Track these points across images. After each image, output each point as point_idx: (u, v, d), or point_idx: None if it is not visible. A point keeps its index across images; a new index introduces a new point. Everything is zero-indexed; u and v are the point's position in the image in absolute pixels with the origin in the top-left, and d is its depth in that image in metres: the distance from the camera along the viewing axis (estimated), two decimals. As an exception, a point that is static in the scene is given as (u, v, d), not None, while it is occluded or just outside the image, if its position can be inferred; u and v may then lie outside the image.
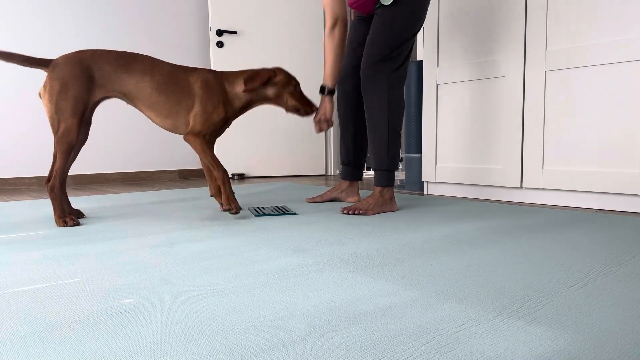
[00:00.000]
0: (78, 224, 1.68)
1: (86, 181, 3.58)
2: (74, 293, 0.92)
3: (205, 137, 1.77)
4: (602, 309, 0.80)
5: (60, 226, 1.65)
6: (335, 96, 2.19)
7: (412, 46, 1.95)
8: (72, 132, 1.66)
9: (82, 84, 1.67)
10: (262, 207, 2.06)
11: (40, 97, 1.68)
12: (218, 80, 1.81)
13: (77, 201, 2.41)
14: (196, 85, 1.78)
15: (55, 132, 1.66)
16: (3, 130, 3.24)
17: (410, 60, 4.80)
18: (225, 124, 1.84)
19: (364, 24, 2.14)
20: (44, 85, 1.66)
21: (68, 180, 3.50)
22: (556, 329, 0.72)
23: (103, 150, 3.65)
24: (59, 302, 0.86)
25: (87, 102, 1.69)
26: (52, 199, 1.68)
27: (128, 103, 1.80)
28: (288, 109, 1.89)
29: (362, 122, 2.20)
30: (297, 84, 1.89)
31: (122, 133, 3.74)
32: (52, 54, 3.39)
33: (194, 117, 1.76)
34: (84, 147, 3.56)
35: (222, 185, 1.75)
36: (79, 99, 1.66)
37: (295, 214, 1.90)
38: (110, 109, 3.66)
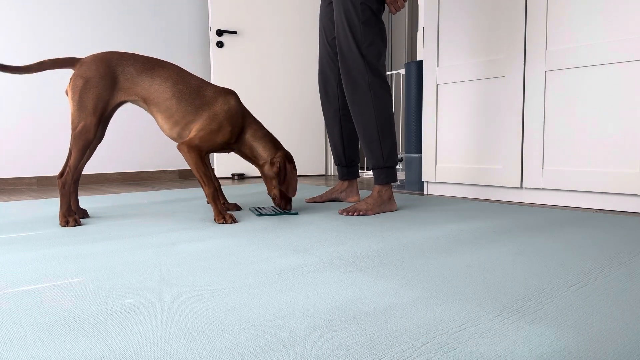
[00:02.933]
0: (79, 225, 1.68)
1: (86, 181, 3.59)
2: (74, 293, 0.92)
3: (201, 152, 1.73)
4: (602, 309, 0.80)
5: (61, 225, 1.65)
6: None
7: (381, 23, 1.90)
8: (90, 130, 1.66)
9: (105, 83, 1.68)
10: (263, 207, 2.06)
11: (67, 94, 1.70)
12: (242, 112, 1.83)
13: (77, 201, 2.41)
14: (220, 108, 1.77)
15: (73, 129, 1.66)
16: (3, 130, 3.24)
17: (410, 60, 4.78)
18: (224, 148, 1.84)
19: (330, 7, 2.10)
20: (69, 83, 1.67)
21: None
22: (556, 329, 0.72)
23: (103, 150, 3.65)
24: (59, 302, 0.86)
25: (109, 102, 1.70)
26: (61, 195, 1.68)
27: (146, 110, 1.79)
28: (269, 190, 1.90)
29: (348, 120, 2.18)
30: (285, 168, 1.86)
31: (122, 133, 3.74)
32: (51, 55, 3.39)
33: (197, 130, 1.74)
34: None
35: (212, 202, 1.72)
36: (101, 98, 1.67)
37: (296, 213, 1.90)
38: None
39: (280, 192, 1.89)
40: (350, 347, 0.66)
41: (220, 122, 1.76)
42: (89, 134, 1.66)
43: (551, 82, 2.13)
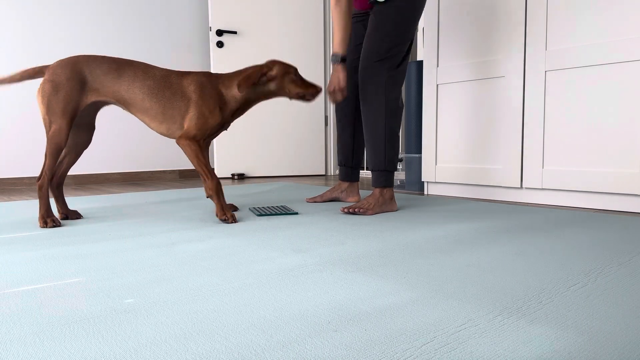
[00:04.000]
0: (58, 225, 1.67)
1: (86, 181, 3.59)
2: (74, 293, 0.92)
3: (200, 142, 1.72)
4: (602, 309, 0.80)
5: (40, 226, 1.65)
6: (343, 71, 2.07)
7: (411, 45, 1.94)
8: (62, 133, 1.67)
9: (72, 85, 1.68)
10: (264, 207, 2.06)
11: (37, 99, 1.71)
12: (213, 84, 1.78)
13: (77, 201, 2.41)
14: (190, 89, 1.74)
15: (47, 133, 1.68)
16: (3, 130, 3.24)
17: (410, 60, 4.80)
18: (221, 127, 1.81)
19: (360, 24, 2.14)
20: (39, 89, 1.68)
21: (68, 180, 3.50)
22: (556, 329, 0.72)
23: (103, 150, 3.65)
24: (59, 302, 0.86)
25: (78, 103, 1.69)
26: (39, 197, 1.69)
27: (125, 110, 1.78)
28: (292, 97, 1.84)
29: (360, 122, 2.19)
30: (295, 70, 1.84)
31: (122, 133, 3.74)
32: (51, 55, 3.39)
33: (189, 121, 1.73)
34: (84, 147, 3.56)
35: (215, 196, 1.70)
36: (70, 100, 1.67)
37: (296, 213, 1.90)
38: (110, 109, 3.66)
39: (300, 86, 1.83)
40: (350, 347, 0.66)
41: (203, 103, 1.73)
42: (60, 137, 1.67)
43: (551, 82, 2.13)
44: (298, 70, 1.83)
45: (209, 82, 1.77)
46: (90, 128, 1.88)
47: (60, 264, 1.14)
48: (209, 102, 1.74)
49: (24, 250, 1.30)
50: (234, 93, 1.79)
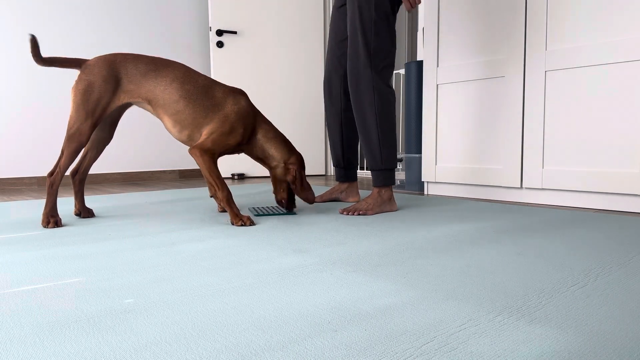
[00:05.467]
0: (59, 226, 1.67)
1: (86, 181, 3.59)
2: (74, 293, 0.92)
3: (214, 156, 1.70)
4: (602, 309, 0.80)
5: (42, 224, 1.65)
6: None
7: (393, 26, 1.90)
8: (84, 134, 1.66)
9: (107, 87, 1.67)
10: (263, 207, 2.06)
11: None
12: (253, 112, 1.81)
13: (77, 201, 2.41)
14: (230, 109, 1.75)
15: (68, 130, 1.66)
16: (3, 130, 3.24)
17: (410, 60, 4.78)
18: (235, 150, 1.81)
19: (342, 10, 2.11)
20: (74, 84, 1.68)
21: (68, 180, 3.50)
22: (556, 329, 0.72)
23: (103, 151, 3.65)
24: (59, 302, 0.86)
25: (109, 106, 1.68)
26: (47, 194, 1.67)
27: (151, 112, 1.76)
28: (277, 193, 1.89)
29: (351, 123, 2.18)
30: (301, 176, 1.85)
31: (122, 133, 3.74)
32: (51, 55, 3.39)
33: (208, 133, 1.71)
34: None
35: (227, 206, 1.68)
36: (101, 102, 1.66)
37: (295, 214, 1.90)
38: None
39: (288, 195, 1.88)
40: (350, 347, 0.66)
41: (232, 124, 1.73)
42: (82, 137, 1.66)
43: (551, 82, 2.13)
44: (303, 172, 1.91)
45: (251, 113, 1.80)
46: (113, 125, 1.87)
47: (60, 264, 1.14)
48: (239, 129, 1.75)
49: (24, 250, 1.30)
50: (258, 137, 1.83)
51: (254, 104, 1.76)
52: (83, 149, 1.72)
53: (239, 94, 1.81)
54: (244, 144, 1.82)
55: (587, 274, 1.01)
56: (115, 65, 1.69)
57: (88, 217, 1.86)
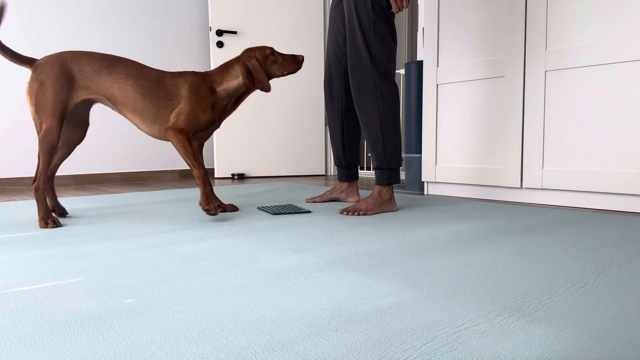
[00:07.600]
0: (59, 226, 1.67)
1: (86, 181, 3.58)
2: (74, 293, 0.92)
3: (188, 135, 1.72)
4: (602, 309, 0.80)
5: (41, 227, 1.65)
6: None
7: (392, 22, 1.90)
8: (53, 132, 1.66)
9: (60, 83, 1.66)
10: (274, 206, 2.05)
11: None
12: (206, 83, 1.79)
13: (77, 201, 2.41)
14: (184, 88, 1.75)
15: (38, 133, 1.66)
16: (3, 130, 3.24)
17: (410, 60, 4.78)
18: (212, 125, 1.82)
19: (340, 7, 2.11)
20: (26, 86, 1.67)
21: (68, 180, 3.50)
22: (556, 329, 0.72)
23: (103, 150, 3.65)
24: (59, 302, 0.86)
25: (67, 102, 1.68)
26: (36, 200, 1.68)
27: (114, 109, 1.77)
28: (280, 76, 1.90)
29: (352, 122, 2.18)
30: (272, 50, 1.85)
31: (122, 133, 3.74)
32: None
33: (178, 115, 1.72)
34: (84, 147, 3.56)
35: (202, 185, 1.70)
36: (58, 98, 1.66)
37: (309, 212, 1.90)
38: (109, 109, 3.66)
39: (281, 63, 1.87)
40: (350, 347, 0.66)
41: (191, 100, 1.73)
42: (52, 136, 1.66)
43: (551, 82, 2.13)
44: (273, 47, 1.86)
45: (202, 80, 1.79)
46: (84, 125, 1.88)
47: (60, 264, 1.14)
48: (201, 101, 1.75)
49: (24, 250, 1.30)
50: (225, 86, 1.80)
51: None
52: None
53: (187, 74, 1.80)
54: (218, 116, 1.82)
55: (587, 274, 1.01)
56: (66, 63, 1.69)
57: (61, 214, 1.87)
